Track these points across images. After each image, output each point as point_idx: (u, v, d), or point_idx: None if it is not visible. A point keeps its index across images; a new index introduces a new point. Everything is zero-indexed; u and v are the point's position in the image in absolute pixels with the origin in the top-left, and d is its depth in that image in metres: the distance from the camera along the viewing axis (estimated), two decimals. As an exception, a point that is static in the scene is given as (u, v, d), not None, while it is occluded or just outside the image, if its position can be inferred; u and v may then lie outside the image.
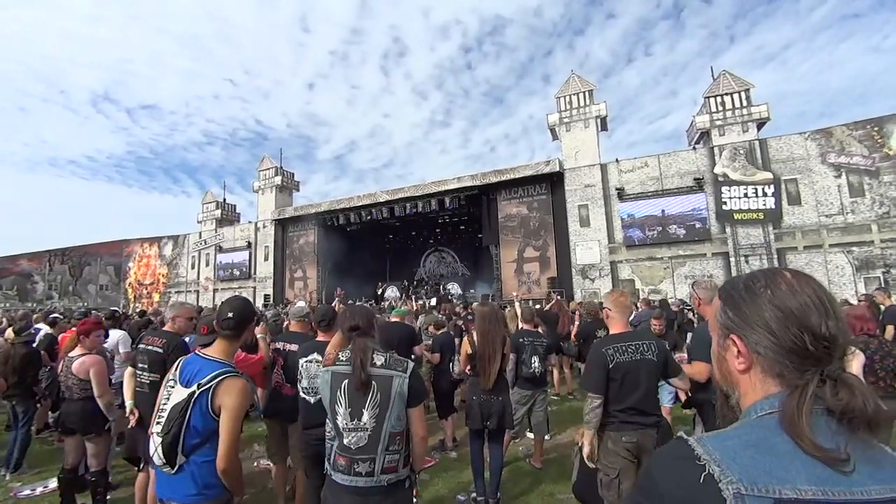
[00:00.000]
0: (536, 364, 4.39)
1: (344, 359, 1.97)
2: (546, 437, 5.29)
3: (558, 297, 9.98)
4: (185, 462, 1.82)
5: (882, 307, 6.43)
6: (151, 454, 1.86)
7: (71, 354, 3.56)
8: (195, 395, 1.83)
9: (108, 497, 3.68)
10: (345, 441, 1.87)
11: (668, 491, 0.61)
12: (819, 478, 0.56)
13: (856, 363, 3.23)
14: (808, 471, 0.57)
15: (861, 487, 0.57)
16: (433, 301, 10.43)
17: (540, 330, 5.01)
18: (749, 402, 0.69)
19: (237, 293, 22.41)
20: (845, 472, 0.57)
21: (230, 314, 2.00)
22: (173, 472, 1.82)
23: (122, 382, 4.94)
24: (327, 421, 1.96)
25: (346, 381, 1.91)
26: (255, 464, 4.61)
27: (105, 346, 4.92)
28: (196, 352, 2.04)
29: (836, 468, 0.57)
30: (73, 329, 4.63)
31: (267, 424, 3.66)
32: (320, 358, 2.01)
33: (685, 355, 3.39)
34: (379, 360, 1.97)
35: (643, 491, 0.65)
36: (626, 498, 0.67)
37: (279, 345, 3.48)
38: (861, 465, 0.58)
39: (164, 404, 1.87)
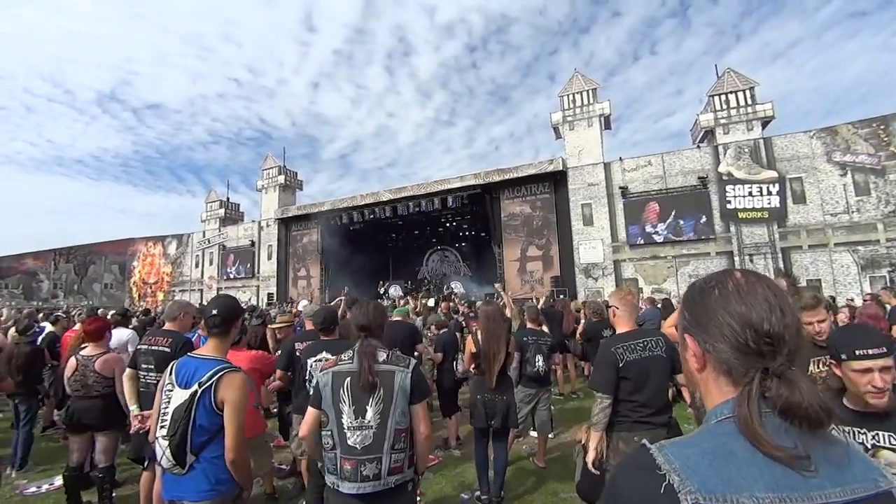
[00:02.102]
0: (540, 363, 4.38)
1: (346, 358, 1.97)
2: (550, 435, 5.29)
3: (537, 298, 9.97)
4: (195, 461, 1.84)
5: (888, 307, 6.38)
6: (159, 459, 1.87)
7: (86, 353, 3.60)
8: (198, 395, 1.84)
9: (113, 494, 3.71)
10: (349, 441, 1.85)
11: (631, 501, 0.62)
12: (777, 483, 0.56)
13: None
14: (767, 477, 0.57)
15: (820, 491, 0.56)
16: (431, 301, 10.41)
17: (544, 328, 5.00)
18: (708, 402, 0.71)
19: (241, 292, 22.52)
20: (807, 472, 0.57)
21: (215, 312, 2.03)
22: (184, 472, 1.83)
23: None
24: (324, 431, 1.92)
25: (349, 379, 1.90)
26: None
27: (112, 343, 4.98)
28: (188, 354, 2.06)
29: (797, 469, 0.57)
30: (76, 328, 4.66)
31: (301, 420, 3.65)
32: (329, 356, 2.02)
33: None
34: (381, 356, 1.97)
35: (608, 498, 0.66)
36: None
37: (298, 345, 3.55)
38: (822, 465, 0.58)
39: (166, 408, 1.88)
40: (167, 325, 3.46)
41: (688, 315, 0.74)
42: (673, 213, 14.87)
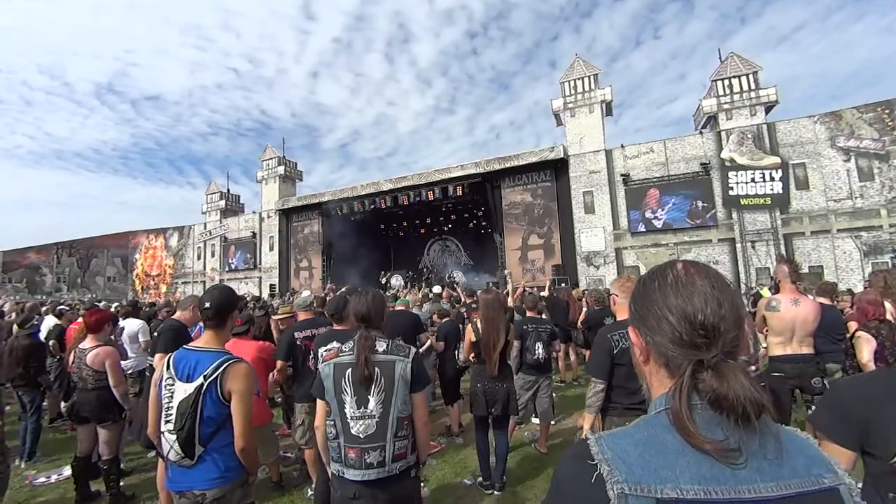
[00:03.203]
0: (540, 351, 4.41)
1: (346, 350, 1.98)
2: (551, 422, 5.33)
3: (527, 289, 9.97)
4: (204, 451, 1.88)
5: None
6: (166, 453, 1.89)
7: (83, 346, 3.61)
8: (204, 387, 1.86)
9: (120, 483, 3.76)
10: (352, 431, 1.87)
11: (568, 490, 0.63)
12: (704, 476, 0.56)
13: (867, 349, 3.20)
14: (694, 469, 0.57)
15: (749, 485, 0.56)
16: (437, 288, 10.40)
17: (544, 316, 5.01)
18: (653, 394, 0.71)
19: (243, 283, 22.58)
20: (736, 465, 0.56)
21: (208, 304, 2.04)
22: (193, 463, 1.86)
23: (139, 371, 5.05)
24: (327, 421, 1.95)
25: (350, 370, 1.92)
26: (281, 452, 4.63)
27: (124, 334, 5.03)
28: (184, 347, 2.07)
29: (726, 462, 0.57)
30: (80, 320, 4.70)
31: (304, 409, 3.65)
32: (338, 345, 2.03)
33: None
34: (381, 346, 1.98)
35: (553, 487, 0.67)
36: (547, 496, 0.69)
37: (297, 334, 3.62)
38: (754, 459, 0.57)
39: (169, 402, 1.89)
40: (177, 315, 3.57)
41: (633, 308, 0.75)
42: (675, 200, 14.80)
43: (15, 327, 5.26)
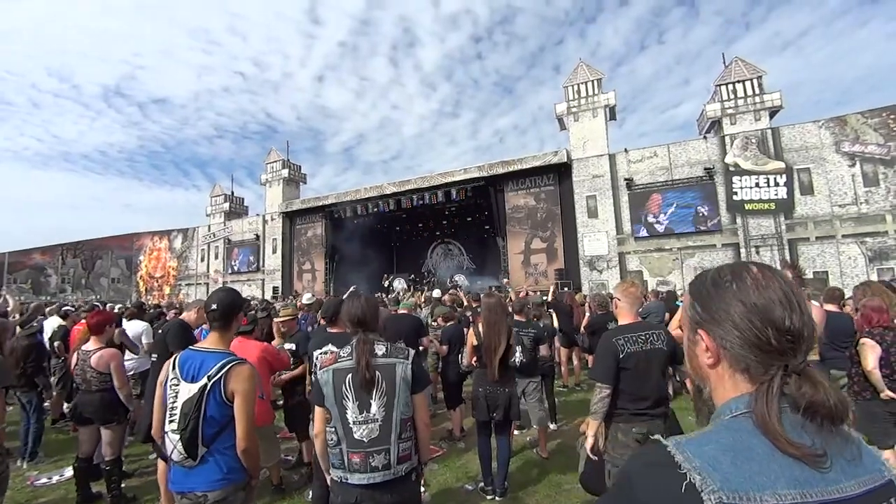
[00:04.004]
0: (518, 354, 4.37)
1: (345, 355, 1.97)
2: (553, 426, 5.31)
3: (524, 292, 9.96)
4: (207, 452, 1.88)
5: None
6: (169, 452, 1.90)
7: (86, 348, 3.63)
8: (207, 388, 1.87)
9: (122, 485, 3.76)
10: (355, 436, 1.86)
11: (648, 500, 0.59)
12: (797, 480, 0.56)
13: (871, 356, 3.18)
14: (787, 473, 0.56)
15: (836, 486, 0.56)
16: (437, 293, 10.39)
17: (523, 319, 4.94)
18: (720, 397, 0.69)
19: (246, 285, 22.63)
20: (823, 469, 0.57)
21: (214, 306, 2.05)
22: (195, 463, 1.87)
23: (140, 373, 5.06)
24: (327, 428, 1.93)
25: (350, 375, 1.91)
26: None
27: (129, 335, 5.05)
28: (190, 347, 2.08)
29: (814, 466, 0.57)
30: (83, 322, 4.73)
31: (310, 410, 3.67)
32: (335, 349, 2.03)
33: None
34: (380, 349, 1.97)
35: (621, 496, 0.64)
36: (601, 500, 0.66)
37: None
38: (835, 461, 0.58)
39: (173, 403, 1.90)
40: (184, 315, 3.60)
41: (700, 309, 0.73)
42: (678, 205, 14.76)
43: (17, 328, 5.29)
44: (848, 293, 10.43)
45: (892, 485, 0.59)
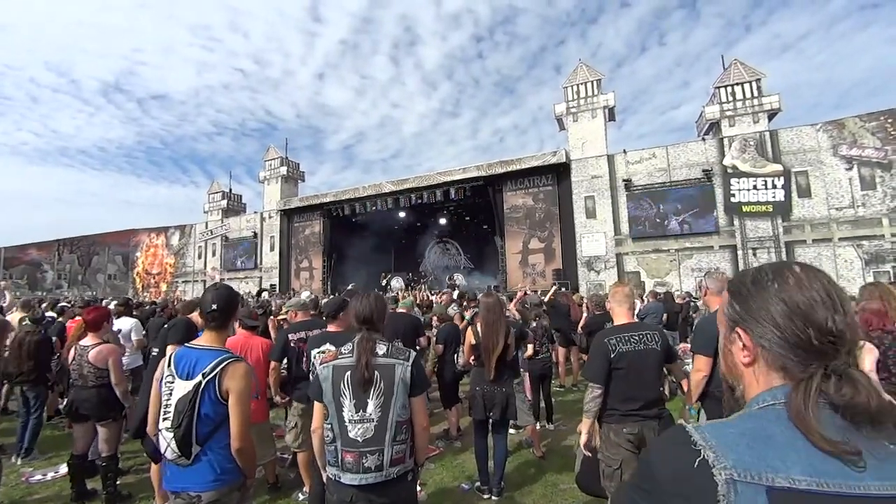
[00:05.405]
0: None
1: (346, 352, 1.96)
2: (550, 426, 5.32)
3: (544, 292, 9.95)
4: (201, 451, 1.86)
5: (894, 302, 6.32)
6: (163, 450, 1.88)
7: (84, 343, 3.61)
8: (202, 385, 1.85)
9: (117, 482, 3.75)
10: (350, 435, 1.85)
11: (663, 474, 0.62)
12: (816, 469, 0.56)
13: (869, 358, 3.18)
14: (805, 462, 0.57)
15: (859, 482, 0.56)
16: (455, 294, 10.30)
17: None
18: (752, 394, 0.69)
19: (244, 283, 22.55)
20: (858, 468, 0.56)
21: (215, 306, 2.02)
22: (189, 462, 1.85)
23: (133, 369, 5.04)
24: (325, 424, 1.93)
25: (349, 373, 1.90)
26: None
27: (119, 332, 5.03)
28: (186, 345, 2.06)
29: (849, 464, 0.56)
30: (79, 318, 4.71)
31: (296, 412, 3.62)
32: (333, 348, 2.01)
33: (688, 346, 3.37)
34: (381, 349, 1.96)
35: (640, 473, 0.66)
36: (625, 481, 0.67)
37: (291, 336, 3.62)
38: (870, 461, 0.57)
39: (168, 400, 1.89)
40: (192, 316, 3.60)
41: (738, 307, 0.72)
42: (676, 206, 14.79)
43: (15, 321, 5.27)
44: (844, 296, 10.41)
45: None
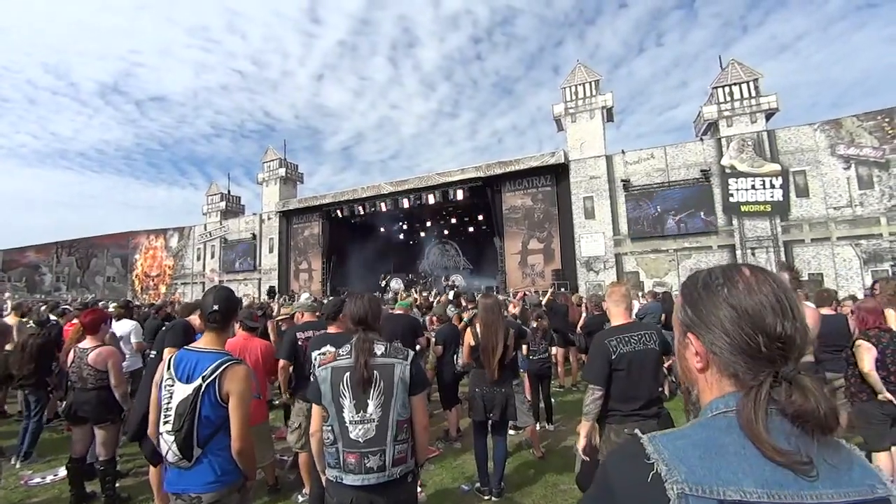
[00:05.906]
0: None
1: (344, 353, 1.96)
2: (550, 427, 5.32)
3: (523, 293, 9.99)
4: (202, 453, 1.86)
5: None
6: (164, 453, 1.89)
7: (83, 345, 3.60)
8: (202, 388, 1.85)
9: (116, 485, 3.74)
10: (351, 436, 1.85)
11: (620, 488, 0.62)
12: (767, 480, 0.56)
13: (868, 357, 3.19)
14: (756, 473, 0.56)
15: (812, 491, 0.55)
16: (451, 294, 10.34)
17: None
18: (707, 401, 0.69)
19: (243, 285, 22.53)
20: (810, 477, 0.56)
21: (215, 307, 2.02)
22: (190, 465, 1.85)
23: (132, 371, 5.04)
24: (324, 426, 1.92)
25: (348, 373, 1.90)
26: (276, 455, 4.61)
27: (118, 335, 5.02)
28: (185, 347, 2.06)
29: (800, 474, 0.56)
30: (75, 321, 4.70)
31: (301, 412, 3.58)
32: (333, 350, 2.02)
33: None
34: (379, 349, 1.96)
35: (598, 485, 0.66)
36: (586, 494, 0.67)
37: (299, 334, 3.62)
38: (821, 469, 0.57)
39: (168, 403, 1.89)
40: (191, 318, 3.62)
41: (690, 312, 0.71)
42: (675, 207, 14.81)
43: (12, 319, 5.26)
44: (843, 294, 10.50)
45: (887, 503, 0.57)
